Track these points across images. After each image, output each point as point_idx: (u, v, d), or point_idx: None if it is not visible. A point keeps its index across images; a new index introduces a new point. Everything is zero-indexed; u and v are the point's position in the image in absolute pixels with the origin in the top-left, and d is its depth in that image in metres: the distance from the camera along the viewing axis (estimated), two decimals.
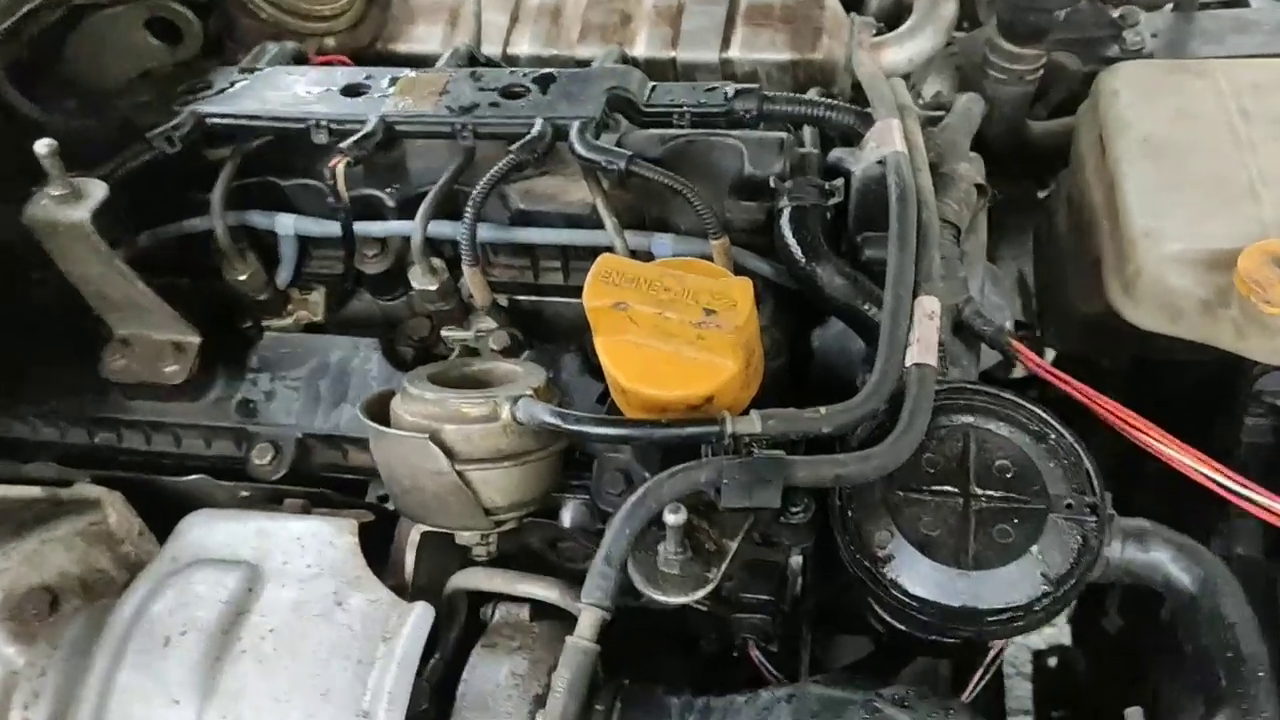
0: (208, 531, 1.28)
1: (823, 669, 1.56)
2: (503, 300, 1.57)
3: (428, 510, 1.26)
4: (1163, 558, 1.17)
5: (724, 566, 1.14)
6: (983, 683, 1.28)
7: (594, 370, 1.51)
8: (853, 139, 1.52)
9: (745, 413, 1.18)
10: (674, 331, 1.18)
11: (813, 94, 1.69)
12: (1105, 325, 1.55)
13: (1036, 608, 1.13)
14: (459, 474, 1.20)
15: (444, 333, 1.59)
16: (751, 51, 1.80)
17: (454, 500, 1.23)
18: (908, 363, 1.21)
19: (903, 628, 1.19)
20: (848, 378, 1.46)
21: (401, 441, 1.21)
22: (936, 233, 1.31)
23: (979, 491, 1.17)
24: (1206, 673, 1.12)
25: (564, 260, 1.58)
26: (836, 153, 1.58)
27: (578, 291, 1.56)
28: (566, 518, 1.47)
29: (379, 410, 1.28)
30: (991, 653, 1.28)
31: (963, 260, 1.41)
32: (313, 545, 1.24)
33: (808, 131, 1.62)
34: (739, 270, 1.45)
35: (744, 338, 1.18)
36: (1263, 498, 1.14)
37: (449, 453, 1.20)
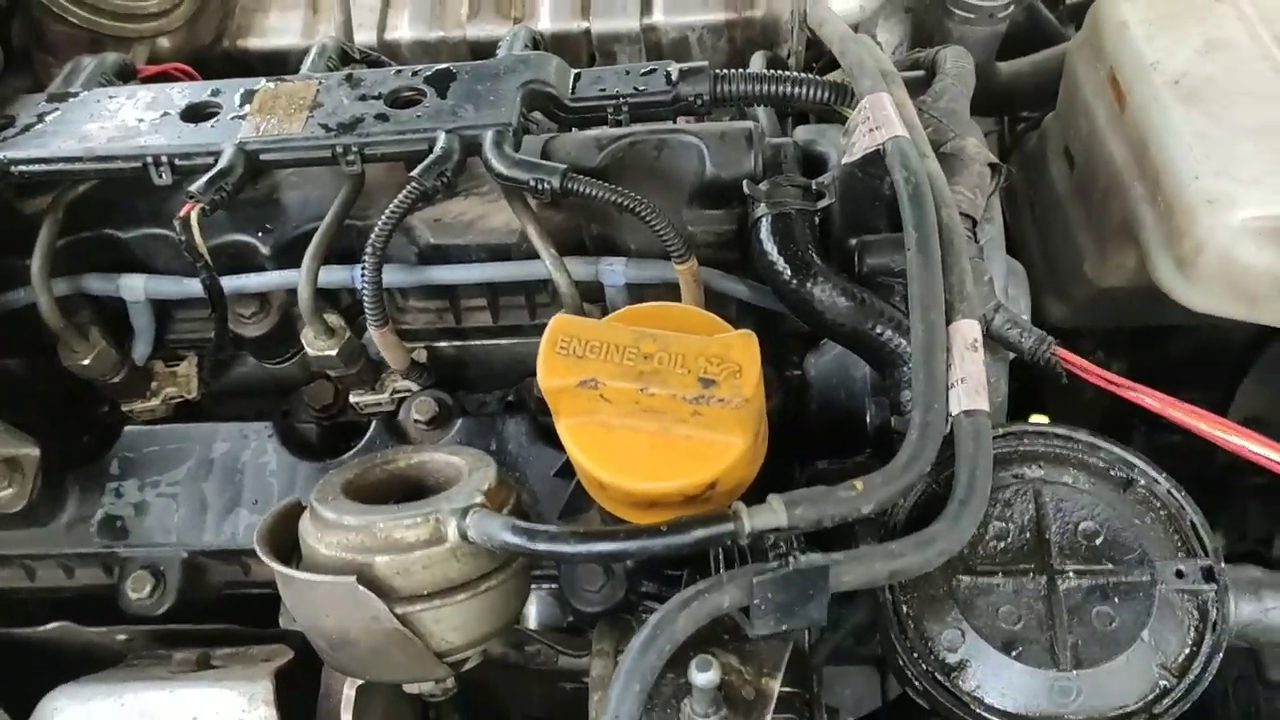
0: (72, 717, 0.97)
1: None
2: (420, 354, 1.28)
3: (364, 665, 0.98)
4: None
5: (768, 717, 0.87)
6: None
7: (545, 434, 1.24)
8: (838, 116, 1.26)
9: (758, 496, 0.91)
10: (662, 410, 0.91)
11: (757, 60, 1.43)
12: (1134, 301, 1.33)
13: (1158, 709, 0.89)
14: (400, 617, 0.92)
15: (354, 399, 1.31)
16: (678, 14, 1.54)
17: (397, 650, 0.95)
18: (954, 409, 0.96)
19: None
20: (851, 409, 1.21)
21: (320, 587, 0.92)
22: (963, 236, 1.05)
23: (1065, 567, 0.93)
24: None
25: (491, 298, 1.29)
26: (803, 133, 1.32)
27: (511, 331, 1.32)
28: (532, 616, 1.21)
29: (282, 534, 0.99)
30: None
31: (982, 257, 1.16)
32: None
33: (762, 113, 1.35)
34: (709, 295, 1.19)
35: (754, 411, 0.91)
36: None
37: (383, 592, 0.92)
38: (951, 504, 0.92)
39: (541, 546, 0.90)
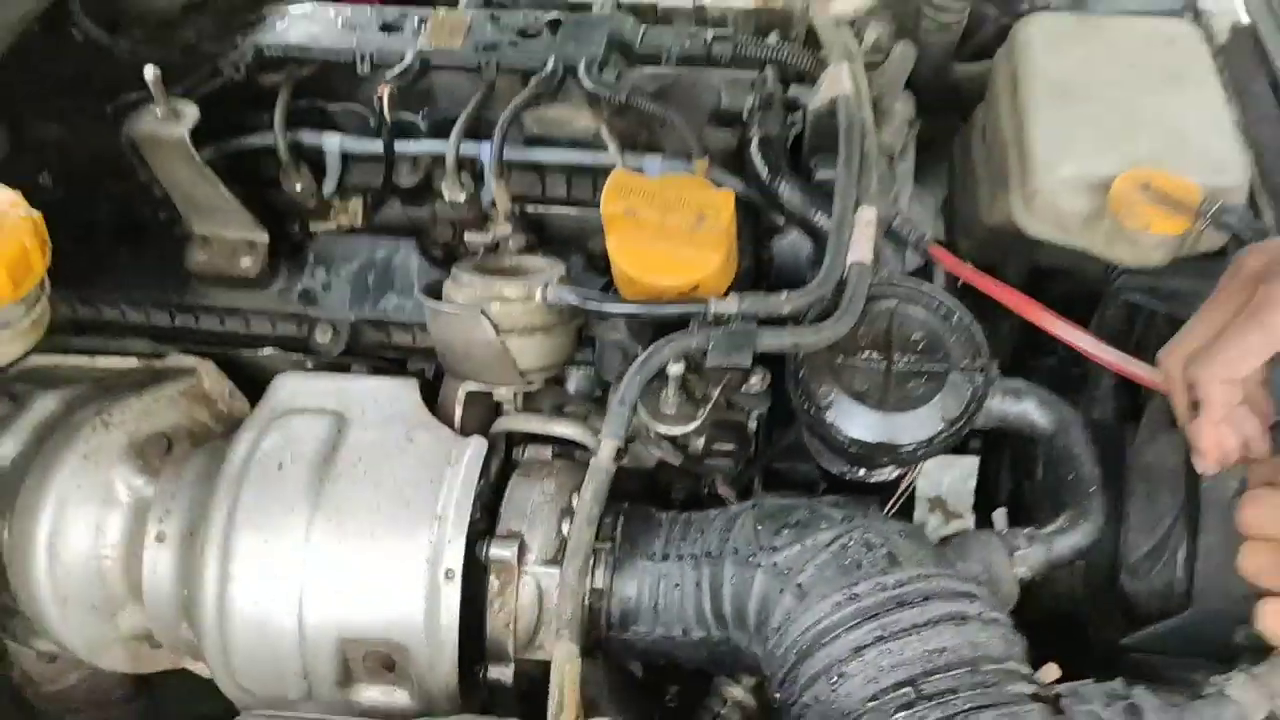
0: (297, 388, 1.60)
1: None
2: (516, 209, 1.90)
3: (474, 370, 1.60)
4: (1030, 407, 1.55)
5: (709, 407, 1.50)
6: (898, 504, 1.66)
7: (596, 268, 1.85)
8: (808, 79, 1.86)
9: (725, 296, 1.53)
10: (672, 233, 1.52)
11: (773, 37, 2.03)
12: (1005, 235, 1.92)
13: (936, 440, 1.49)
14: (502, 342, 1.54)
15: (467, 237, 1.91)
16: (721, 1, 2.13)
17: (496, 363, 1.56)
18: (849, 260, 1.56)
19: (840, 461, 1.56)
20: (800, 275, 1.82)
21: (458, 316, 1.54)
22: (875, 158, 1.65)
23: (898, 357, 1.53)
24: (1056, 489, 1.51)
25: (567, 177, 1.89)
26: (794, 90, 1.92)
27: (578, 203, 1.92)
28: (572, 385, 1.82)
29: (433, 293, 1.61)
30: (904, 482, 1.66)
31: (894, 180, 1.77)
32: (384, 398, 1.56)
33: (770, 71, 1.95)
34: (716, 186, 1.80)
35: (727, 238, 1.52)
36: (1114, 355, 1.49)
37: (494, 325, 1.53)
38: (838, 312, 1.52)
39: (592, 305, 1.52)
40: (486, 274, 1.59)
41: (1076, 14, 2.14)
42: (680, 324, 1.52)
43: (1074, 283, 2.02)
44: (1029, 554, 1.46)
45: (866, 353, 1.53)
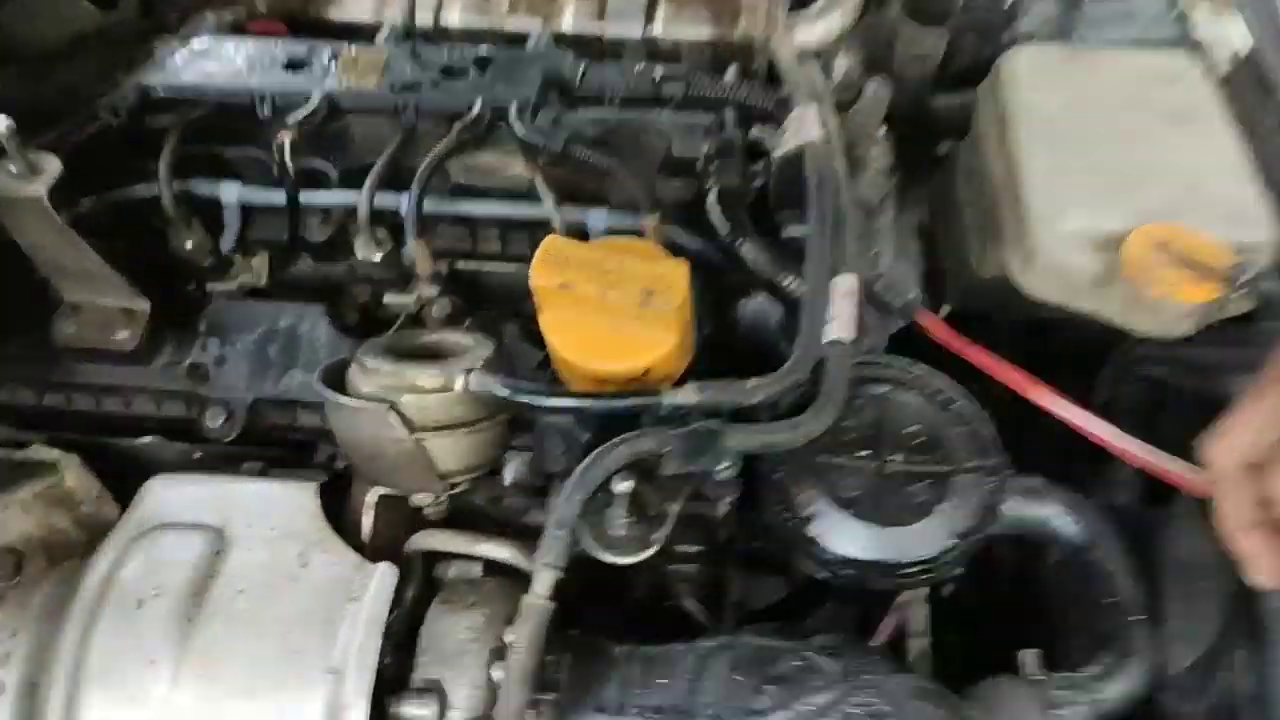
0: (170, 496, 1.34)
1: (744, 608, 1.70)
2: (442, 268, 1.65)
3: (384, 474, 1.35)
4: (1053, 512, 1.32)
5: (666, 529, 1.25)
6: (890, 627, 1.42)
7: (533, 337, 1.60)
8: (771, 120, 1.63)
9: (681, 383, 1.29)
10: (616, 310, 1.29)
11: (731, 73, 1.80)
12: (1001, 290, 1.69)
13: (944, 559, 1.27)
14: (416, 441, 1.29)
15: (386, 299, 1.67)
16: (674, 29, 1.89)
17: (411, 465, 1.32)
18: (827, 338, 1.33)
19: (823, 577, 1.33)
20: (770, 344, 1.58)
21: (362, 412, 1.29)
22: (850, 216, 1.43)
23: (892, 455, 1.30)
24: (1091, 616, 1.28)
25: (501, 231, 1.66)
26: (756, 133, 1.69)
27: (514, 259, 1.68)
28: (509, 475, 1.57)
29: (334, 379, 1.36)
30: (899, 599, 1.43)
31: (874, 238, 1.54)
32: (275, 508, 1.31)
33: (730, 112, 1.72)
34: (669, 245, 1.56)
35: (680, 317, 1.29)
36: (1139, 449, 1.28)
37: (406, 422, 1.29)
38: (816, 402, 1.29)
39: (523, 398, 1.28)
40: (398, 358, 1.34)
41: (1066, 46, 1.93)
42: (629, 418, 1.29)
43: (1078, 334, 1.80)
44: (1072, 713, 1.22)
45: (854, 451, 1.30)
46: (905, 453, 1.31)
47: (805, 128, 1.49)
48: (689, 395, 1.27)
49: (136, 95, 1.59)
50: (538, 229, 1.65)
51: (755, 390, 1.28)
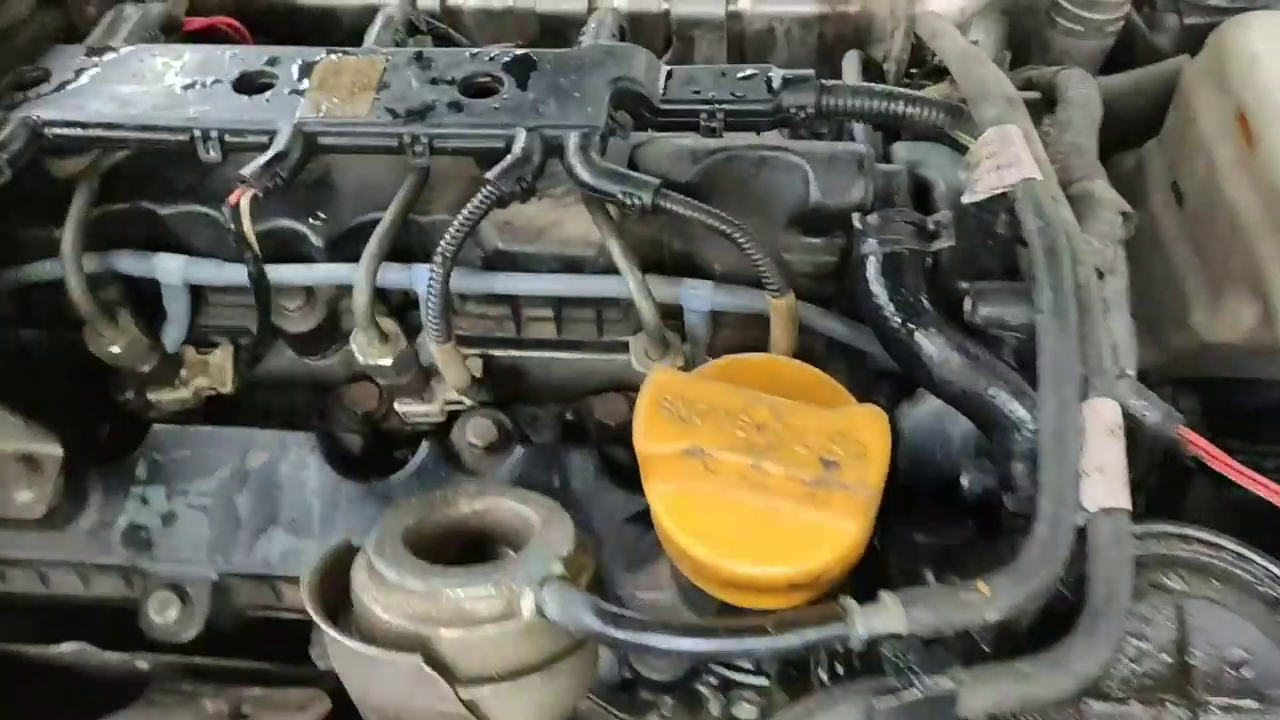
0: None
1: None
2: (475, 364, 1.18)
3: None
4: None
5: None
6: None
7: (613, 470, 1.14)
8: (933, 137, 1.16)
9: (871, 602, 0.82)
10: (774, 488, 0.82)
11: (850, 62, 1.33)
12: (1239, 355, 1.24)
13: None
14: (465, 703, 0.83)
15: (399, 408, 1.20)
16: (766, 2, 1.40)
17: None
18: (1088, 505, 0.86)
19: None
20: (944, 469, 1.11)
21: (380, 663, 0.82)
22: (1099, 300, 0.95)
23: (1209, 700, 0.84)
24: None
25: (557, 309, 1.19)
26: (905, 152, 1.20)
27: (575, 346, 1.22)
28: None
29: (330, 581, 0.89)
30: None
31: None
32: None
33: (859, 129, 1.23)
34: (807, 331, 1.09)
35: (877, 497, 0.82)
36: None
37: (446, 670, 0.82)
38: (1087, 617, 0.82)
39: (630, 637, 0.81)
40: (422, 544, 0.87)
41: None
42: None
43: None
44: None
45: (1147, 696, 0.84)
46: (1227, 694, 0.84)
47: (1007, 156, 1.00)
48: (892, 618, 0.80)
49: (26, 139, 1.09)
50: (607, 305, 1.19)
51: (992, 603, 0.82)
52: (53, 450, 1.10)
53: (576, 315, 1.20)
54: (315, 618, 0.85)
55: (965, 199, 1.04)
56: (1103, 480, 0.87)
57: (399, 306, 1.21)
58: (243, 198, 1.03)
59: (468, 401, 1.19)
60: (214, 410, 1.26)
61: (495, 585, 0.84)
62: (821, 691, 0.79)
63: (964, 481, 1.10)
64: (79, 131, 1.11)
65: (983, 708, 0.79)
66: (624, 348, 1.18)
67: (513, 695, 0.85)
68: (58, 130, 1.11)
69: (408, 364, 1.15)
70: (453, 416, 1.21)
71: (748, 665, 1.10)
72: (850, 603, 0.81)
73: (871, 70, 1.37)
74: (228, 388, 1.24)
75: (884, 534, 1.06)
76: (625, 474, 1.13)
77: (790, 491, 0.82)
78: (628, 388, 1.22)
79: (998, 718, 0.85)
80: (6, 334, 1.25)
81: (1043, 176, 1.00)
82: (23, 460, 1.09)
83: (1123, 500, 0.87)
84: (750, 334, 1.17)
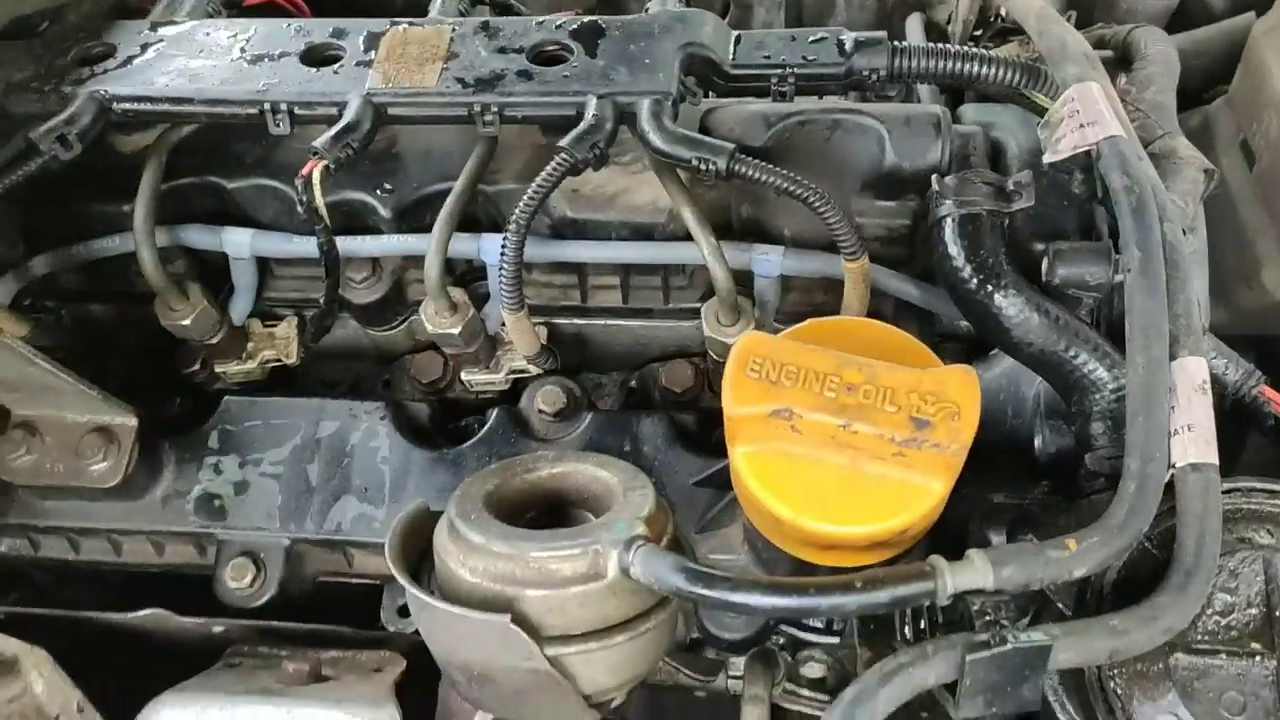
0: None
1: None
2: (541, 332, 1.18)
3: (503, 704, 0.90)
4: None
5: None
6: None
7: (684, 435, 1.13)
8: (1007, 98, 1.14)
9: (959, 559, 0.81)
10: (863, 447, 0.81)
11: (914, 25, 1.31)
12: None
13: None
14: (551, 659, 0.83)
15: (465, 376, 1.20)
16: None
17: (542, 692, 0.86)
18: (1178, 461, 0.85)
19: None
20: (1017, 430, 1.10)
21: (467, 622, 0.82)
22: (1187, 258, 0.93)
23: None
24: None
25: (624, 277, 1.18)
26: (974, 114, 1.19)
27: (641, 314, 1.21)
28: None
29: (411, 544, 0.90)
30: None
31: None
32: None
33: (925, 90, 1.22)
34: (875, 294, 1.08)
35: (961, 456, 0.81)
36: None
37: (532, 630, 0.82)
38: (1176, 572, 0.81)
39: (720, 595, 0.80)
40: (505, 508, 0.87)
41: None
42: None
43: None
44: None
45: (1235, 646, 0.83)
46: None
47: (1089, 114, 0.99)
48: (980, 575, 0.79)
49: (94, 115, 1.09)
50: (674, 272, 1.18)
51: (1079, 557, 0.80)
52: (128, 421, 1.10)
53: (642, 283, 1.19)
54: (400, 579, 0.85)
55: (1046, 158, 1.03)
56: (1191, 437, 0.86)
57: (463, 275, 1.21)
58: (315, 169, 1.03)
59: (533, 369, 1.19)
60: (278, 381, 1.27)
61: (581, 547, 0.83)
62: (914, 646, 0.78)
63: (1038, 443, 1.09)
64: (148, 106, 1.11)
65: (1072, 661, 0.79)
66: (689, 315, 1.18)
67: (596, 654, 0.84)
68: (126, 105, 1.11)
69: (475, 333, 1.15)
70: (517, 385, 1.21)
71: (818, 624, 1.10)
72: (940, 562, 0.80)
73: (933, 32, 1.36)
74: (293, 359, 1.24)
75: (957, 494, 1.06)
76: (693, 439, 1.13)
77: (879, 451, 0.81)
78: (691, 355, 1.22)
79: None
80: (77, 308, 1.26)
81: (1126, 135, 0.99)
82: (98, 431, 1.09)
83: (1211, 456, 0.85)
84: (815, 298, 1.17)
